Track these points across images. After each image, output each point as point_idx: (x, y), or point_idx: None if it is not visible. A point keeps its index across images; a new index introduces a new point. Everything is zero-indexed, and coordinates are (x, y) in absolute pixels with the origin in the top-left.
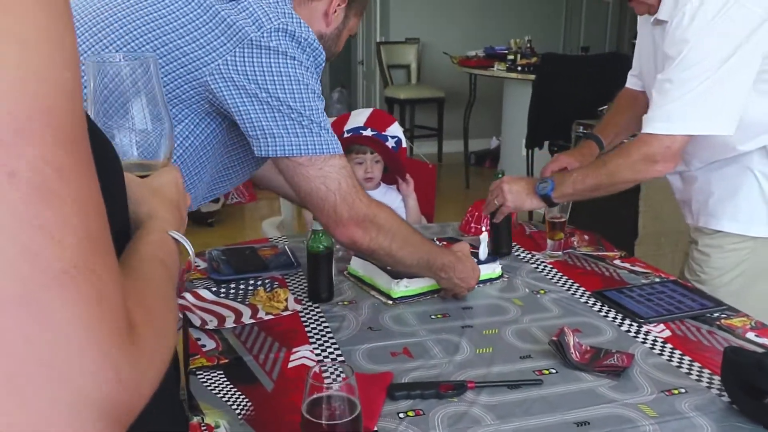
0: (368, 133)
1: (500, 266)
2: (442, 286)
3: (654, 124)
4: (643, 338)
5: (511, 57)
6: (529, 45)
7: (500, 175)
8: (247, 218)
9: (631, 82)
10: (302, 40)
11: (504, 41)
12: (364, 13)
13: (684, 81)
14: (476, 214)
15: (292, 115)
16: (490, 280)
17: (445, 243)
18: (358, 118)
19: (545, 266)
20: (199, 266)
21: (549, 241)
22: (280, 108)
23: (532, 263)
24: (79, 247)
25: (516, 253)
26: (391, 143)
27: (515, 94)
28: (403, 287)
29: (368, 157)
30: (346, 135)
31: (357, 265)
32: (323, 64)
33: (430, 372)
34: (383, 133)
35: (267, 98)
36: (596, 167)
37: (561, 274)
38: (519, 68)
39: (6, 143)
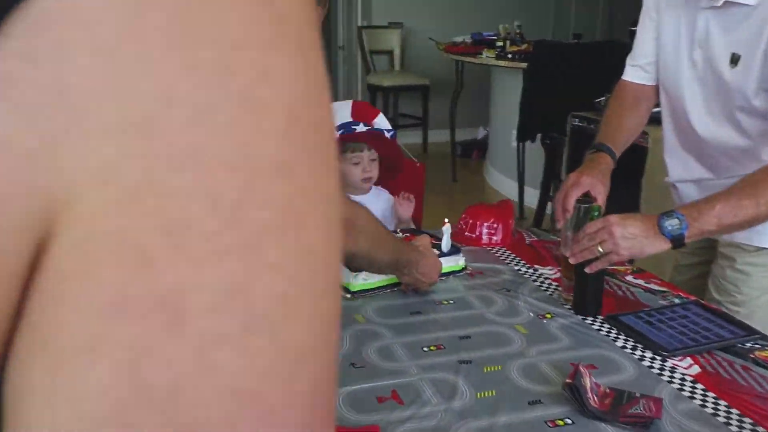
0: (361, 128)
1: (463, 258)
2: (403, 281)
3: None
4: (669, 376)
5: (500, 43)
6: (518, 31)
7: (597, 213)
8: None
9: (635, 75)
10: None
11: (492, 27)
12: (329, 1)
13: None
14: (470, 221)
15: None
16: (453, 272)
17: (407, 235)
18: (343, 112)
19: (549, 284)
20: None
21: (565, 281)
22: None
23: (535, 280)
24: None
25: (516, 268)
26: (387, 135)
27: (504, 83)
28: (361, 280)
29: (365, 155)
30: (335, 133)
31: None
32: None
33: (423, 424)
34: (373, 127)
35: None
36: (745, 194)
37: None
38: (509, 55)
39: None
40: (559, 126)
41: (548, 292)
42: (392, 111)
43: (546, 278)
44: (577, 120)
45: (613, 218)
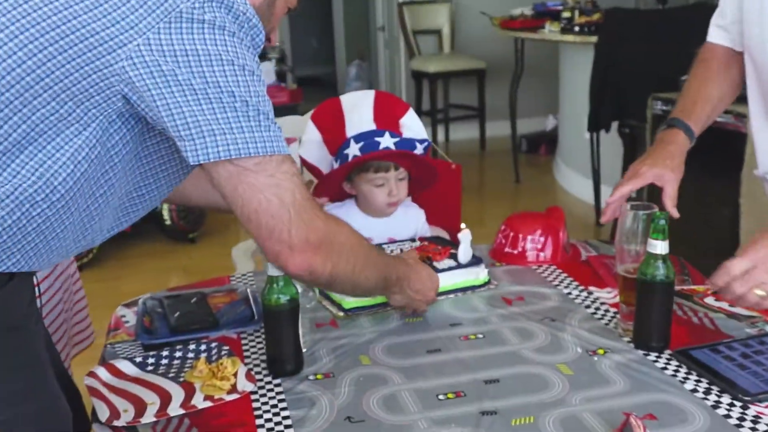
0: (387, 140)
1: (486, 270)
2: (396, 303)
3: None
4: (752, 428)
5: (566, 15)
6: None
7: (663, 221)
8: (242, 231)
9: (722, 37)
10: (240, 14)
11: None
12: None
13: None
14: (511, 234)
15: (236, 105)
16: (474, 287)
17: (424, 244)
18: (362, 112)
19: (606, 310)
20: (127, 322)
21: (623, 307)
22: (221, 97)
23: (588, 306)
24: None
25: (566, 291)
26: (420, 149)
27: (574, 62)
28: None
29: (392, 175)
30: (355, 146)
31: None
32: (262, 45)
33: None
34: (404, 135)
35: (203, 86)
36: None
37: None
38: (577, 28)
39: None
40: (639, 111)
41: (603, 321)
42: (442, 101)
43: (602, 303)
44: (659, 103)
45: (765, 251)
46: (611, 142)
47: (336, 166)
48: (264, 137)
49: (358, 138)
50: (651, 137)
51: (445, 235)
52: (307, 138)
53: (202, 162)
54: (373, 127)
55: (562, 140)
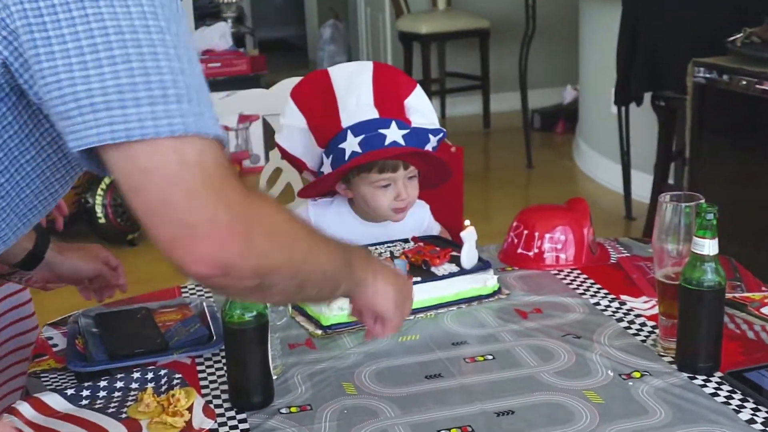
0: (395, 132)
1: (495, 277)
2: (355, 309)
3: None
4: None
5: None
6: None
7: (712, 216)
8: None
9: None
10: None
11: None
12: None
13: None
14: (525, 232)
15: (147, 66)
16: (481, 297)
17: (419, 245)
18: (358, 92)
19: (642, 324)
20: (54, 346)
21: (663, 320)
22: (128, 55)
23: (621, 318)
24: None
25: (593, 301)
26: (433, 142)
27: (597, 20)
28: (337, 310)
29: (400, 175)
30: (353, 140)
31: None
32: None
33: None
34: (413, 123)
35: (102, 41)
36: None
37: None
38: None
39: None
40: (677, 80)
41: (639, 338)
42: (436, 69)
43: (638, 315)
44: (702, 70)
45: None
46: (644, 117)
47: (327, 161)
48: (184, 112)
49: (357, 129)
50: (693, 110)
51: (444, 233)
52: (288, 123)
53: (96, 144)
54: (374, 114)
55: (583, 116)
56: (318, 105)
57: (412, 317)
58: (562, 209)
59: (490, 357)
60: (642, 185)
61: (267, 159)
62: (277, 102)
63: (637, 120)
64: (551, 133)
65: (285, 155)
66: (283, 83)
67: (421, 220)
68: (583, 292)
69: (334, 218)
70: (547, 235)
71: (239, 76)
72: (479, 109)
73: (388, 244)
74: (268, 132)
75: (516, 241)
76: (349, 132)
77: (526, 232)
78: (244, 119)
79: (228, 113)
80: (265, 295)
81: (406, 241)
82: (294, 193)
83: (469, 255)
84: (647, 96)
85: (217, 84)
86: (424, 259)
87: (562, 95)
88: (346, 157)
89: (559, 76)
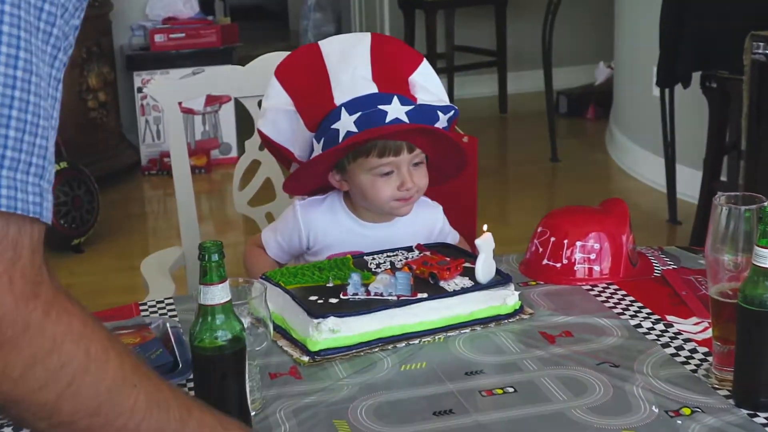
0: (398, 107)
1: (516, 294)
2: None
3: None
4: None
5: None
6: None
7: None
8: (151, 235)
9: None
10: None
11: None
12: None
13: None
14: (552, 239)
15: None
16: (499, 318)
17: (424, 255)
18: (354, 65)
19: (692, 350)
20: None
21: (717, 346)
22: None
23: (667, 344)
24: None
25: (634, 322)
26: (443, 121)
27: None
28: (327, 333)
29: (404, 159)
30: (348, 119)
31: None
32: None
33: None
34: (419, 100)
35: None
36: None
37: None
38: None
39: None
40: (733, 57)
41: (689, 367)
42: (443, 42)
43: (686, 340)
44: (762, 45)
45: None
46: (691, 101)
47: (318, 147)
48: None
49: (352, 106)
50: (751, 93)
51: (463, 244)
52: (271, 106)
53: None
54: (373, 88)
55: (619, 99)
56: (307, 83)
57: (417, 341)
58: (595, 212)
59: (511, 389)
60: (689, 183)
61: (241, 149)
62: (253, 81)
63: (684, 105)
64: (580, 119)
65: (269, 145)
66: (260, 59)
67: (431, 223)
68: (621, 311)
69: (326, 220)
70: (579, 243)
71: (207, 49)
72: (494, 91)
73: (388, 253)
74: (242, 117)
75: (541, 250)
76: (343, 110)
77: (553, 239)
78: (213, 101)
79: (193, 94)
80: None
81: (409, 249)
82: (275, 192)
83: (485, 267)
84: (696, 76)
85: (180, 59)
86: (431, 271)
87: (593, 74)
88: (340, 138)
89: (590, 52)
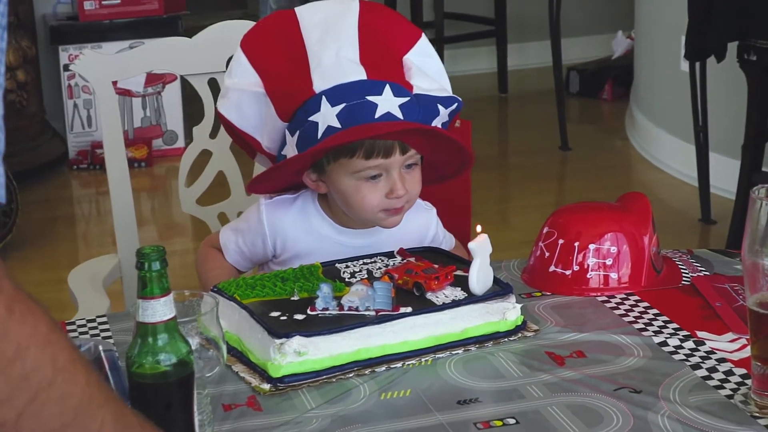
0: (390, 99)
1: (517, 307)
2: None
3: None
4: None
5: None
6: None
7: None
8: (81, 241)
9: None
10: None
11: None
12: None
13: None
14: (561, 241)
15: None
16: (498, 335)
17: (409, 261)
18: (337, 41)
19: (728, 372)
20: None
21: (757, 367)
22: None
23: (698, 365)
24: None
25: (658, 339)
26: (443, 116)
27: None
28: (292, 355)
29: (396, 162)
30: (329, 110)
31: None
32: None
33: None
34: (415, 89)
35: None
36: None
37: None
38: None
39: None
40: None
41: (724, 392)
42: (430, 8)
43: (720, 360)
44: None
45: None
46: (727, 78)
47: (292, 141)
48: None
49: (335, 95)
50: None
51: (460, 250)
52: (235, 84)
53: None
54: (361, 74)
55: (640, 75)
56: (280, 62)
57: (399, 364)
58: (612, 209)
59: (512, 421)
60: (725, 174)
61: (189, 138)
62: (203, 56)
63: (718, 82)
64: (595, 99)
65: (230, 130)
66: (211, 30)
67: (423, 229)
68: (643, 327)
69: (297, 224)
70: (592, 246)
71: (147, 18)
72: (492, 66)
73: (365, 260)
74: (190, 99)
75: (547, 254)
76: (324, 99)
77: (561, 241)
78: (155, 80)
79: (131, 72)
80: None
81: (389, 255)
82: (229, 188)
83: (480, 275)
84: (732, 47)
85: (115, 30)
86: (416, 281)
87: (610, 46)
88: (319, 135)
89: (606, 21)
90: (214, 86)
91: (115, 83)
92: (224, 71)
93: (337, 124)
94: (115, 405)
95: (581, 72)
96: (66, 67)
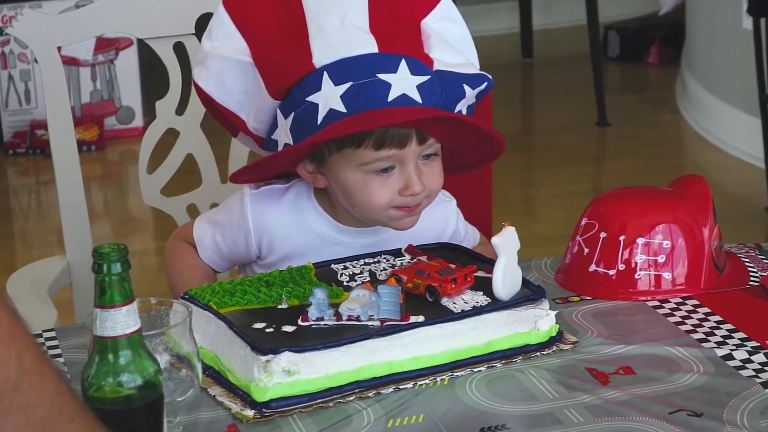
0: (406, 78)
1: (551, 314)
2: None
3: None
4: None
5: None
6: None
7: None
8: (20, 240)
9: None
10: None
11: None
12: None
13: None
14: (601, 235)
15: None
16: (530, 348)
17: (417, 261)
18: (345, 6)
19: None
20: None
21: None
22: None
23: None
24: None
25: (722, 352)
26: (470, 97)
27: None
28: (280, 374)
29: (412, 152)
30: (333, 90)
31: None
32: None
33: None
34: (436, 64)
35: None
36: None
37: None
38: None
39: None
40: None
41: None
42: None
43: None
44: None
45: None
46: None
47: (285, 123)
48: None
49: (339, 71)
50: None
51: (485, 248)
52: (215, 49)
53: None
54: (370, 45)
55: (694, 36)
56: (272, 23)
57: (410, 385)
58: (663, 196)
59: None
60: None
61: (150, 115)
62: (166, 16)
63: None
64: (639, 65)
65: (209, 105)
66: None
67: (442, 224)
68: (703, 337)
69: (288, 220)
70: (641, 241)
71: None
72: (514, 26)
73: (367, 260)
74: (150, 68)
75: (587, 251)
76: (325, 75)
77: (603, 235)
78: (106, 46)
79: (78, 35)
80: None
81: (396, 253)
82: (200, 174)
83: (506, 276)
84: None
85: None
86: (429, 284)
87: (656, 1)
88: (320, 120)
89: None
90: (181, 52)
91: (59, 49)
92: (193, 33)
93: (342, 108)
94: (88, 419)
95: (622, 32)
96: (0, 31)
